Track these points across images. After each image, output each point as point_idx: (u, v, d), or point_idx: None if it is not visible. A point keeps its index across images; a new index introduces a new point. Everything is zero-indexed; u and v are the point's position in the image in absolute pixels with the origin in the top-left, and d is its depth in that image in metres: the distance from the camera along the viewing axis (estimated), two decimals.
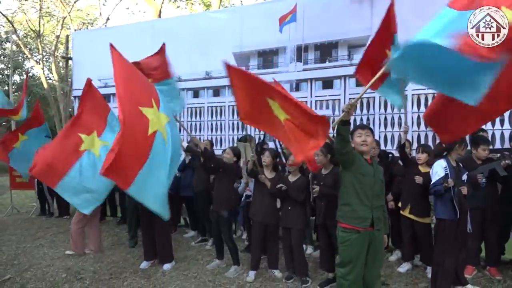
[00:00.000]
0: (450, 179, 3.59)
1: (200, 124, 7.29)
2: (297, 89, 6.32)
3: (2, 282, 4.37)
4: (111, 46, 3.95)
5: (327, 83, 5.91)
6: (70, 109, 19.71)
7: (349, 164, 3.10)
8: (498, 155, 4.27)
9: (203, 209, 5.45)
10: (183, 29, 6.37)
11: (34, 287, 4.22)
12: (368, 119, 5.75)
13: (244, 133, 6.61)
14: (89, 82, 4.98)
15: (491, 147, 4.69)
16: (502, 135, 5.12)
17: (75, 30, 18.50)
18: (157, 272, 4.60)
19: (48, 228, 6.88)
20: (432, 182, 3.73)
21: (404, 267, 4.49)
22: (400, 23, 3.39)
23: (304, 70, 6.25)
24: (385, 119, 5.73)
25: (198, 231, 6.07)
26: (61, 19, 19.68)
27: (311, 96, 6.26)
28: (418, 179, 4.16)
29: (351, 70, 5.48)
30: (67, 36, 16.77)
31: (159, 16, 16.38)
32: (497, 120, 5.11)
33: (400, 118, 5.64)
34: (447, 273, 3.70)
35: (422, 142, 5.56)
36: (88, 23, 23.57)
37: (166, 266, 4.72)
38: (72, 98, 9.97)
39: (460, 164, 3.85)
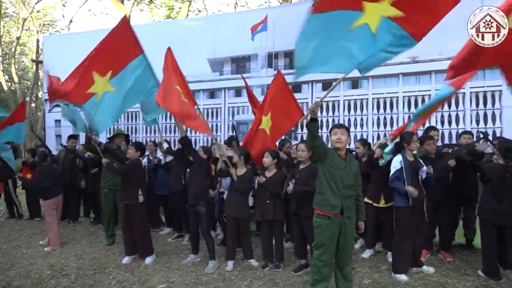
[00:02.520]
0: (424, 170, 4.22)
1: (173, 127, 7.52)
2: None
3: None
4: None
5: (296, 88, 6.33)
6: (40, 112, 19.28)
7: (321, 158, 3.49)
8: (450, 150, 4.81)
9: (181, 206, 5.66)
10: (159, 36, 6.57)
11: (20, 284, 4.31)
12: (333, 120, 6.24)
13: (216, 133, 6.98)
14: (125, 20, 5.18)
15: (440, 143, 5.32)
16: (450, 134, 5.75)
17: (37, 32, 18.10)
18: (139, 266, 4.82)
19: (21, 230, 6.86)
20: (390, 174, 4.26)
21: (367, 253, 5.00)
22: None
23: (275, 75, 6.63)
24: (349, 120, 6.24)
25: (174, 227, 6.31)
26: (19, 20, 19.21)
27: None
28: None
29: (317, 76, 5.97)
30: (37, 40, 16.37)
31: (128, 21, 16.30)
32: (446, 121, 5.74)
33: (362, 119, 6.18)
34: (405, 255, 4.23)
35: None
36: (48, 24, 23.05)
37: (148, 260, 4.93)
38: (43, 100, 9.89)
39: (420, 160, 4.36)
